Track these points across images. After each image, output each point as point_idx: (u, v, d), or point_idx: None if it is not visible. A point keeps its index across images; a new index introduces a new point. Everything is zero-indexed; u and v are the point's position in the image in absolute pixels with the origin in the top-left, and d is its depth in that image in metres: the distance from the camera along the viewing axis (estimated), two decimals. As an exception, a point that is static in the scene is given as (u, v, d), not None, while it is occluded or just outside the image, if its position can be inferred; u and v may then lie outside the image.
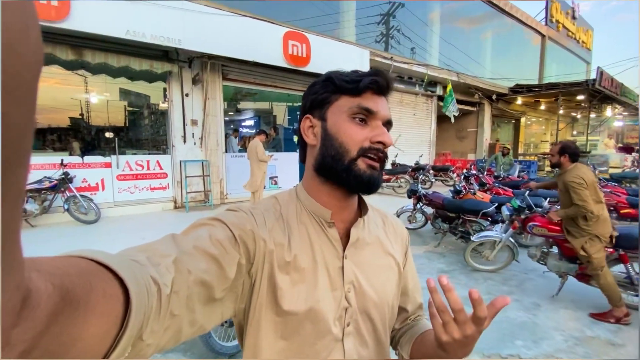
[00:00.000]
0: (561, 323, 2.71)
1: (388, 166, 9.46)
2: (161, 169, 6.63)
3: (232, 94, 9.72)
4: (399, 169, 9.17)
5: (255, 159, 5.52)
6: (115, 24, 5.16)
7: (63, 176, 5.22)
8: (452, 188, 5.28)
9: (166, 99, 6.84)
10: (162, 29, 5.54)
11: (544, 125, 20.99)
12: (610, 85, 12.24)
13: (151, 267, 0.37)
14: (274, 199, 0.63)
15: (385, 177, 8.68)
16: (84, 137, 11.71)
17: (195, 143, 6.85)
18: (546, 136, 20.55)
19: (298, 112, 0.73)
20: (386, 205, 6.71)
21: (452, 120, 11.46)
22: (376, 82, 0.57)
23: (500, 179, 7.28)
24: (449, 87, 11.01)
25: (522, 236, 4.33)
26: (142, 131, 11.79)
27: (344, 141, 0.57)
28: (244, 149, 8.79)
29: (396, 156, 10.41)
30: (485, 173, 7.39)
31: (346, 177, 0.56)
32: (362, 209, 0.65)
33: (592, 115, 15.50)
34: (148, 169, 6.50)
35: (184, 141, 6.71)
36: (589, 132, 14.92)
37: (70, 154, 6.42)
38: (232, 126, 11.18)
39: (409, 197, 5.22)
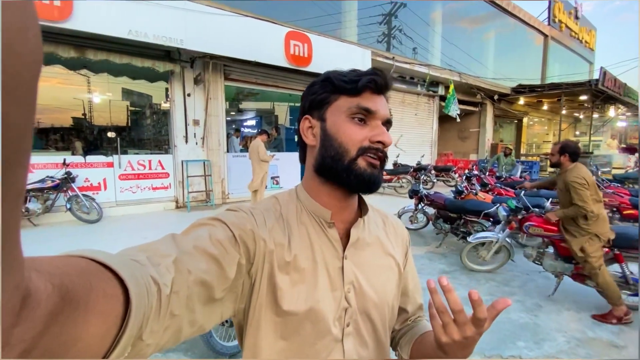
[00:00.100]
0: (563, 324, 2.70)
1: (390, 166, 9.46)
2: (163, 168, 6.64)
3: (234, 94, 9.74)
4: (400, 169, 9.15)
5: (257, 159, 5.53)
6: (118, 24, 5.17)
7: (65, 176, 5.25)
8: (453, 188, 5.27)
9: (168, 99, 6.86)
10: (164, 29, 5.56)
11: (546, 126, 20.93)
12: (613, 86, 12.17)
13: (151, 267, 0.37)
14: (274, 199, 0.63)
15: (386, 177, 8.67)
16: (86, 136, 11.75)
17: (197, 143, 6.87)
18: (548, 136, 20.49)
19: (299, 113, 0.73)
20: (388, 206, 6.70)
21: (458, 119, 11.44)
22: (375, 81, 0.56)
23: (503, 179, 7.26)
24: (452, 87, 10.99)
25: (519, 236, 4.32)
26: (144, 131, 11.84)
27: (343, 141, 0.56)
28: (245, 149, 8.79)
29: (398, 156, 10.39)
30: (487, 173, 7.37)
31: (346, 177, 0.56)
32: (362, 209, 0.65)
33: (595, 115, 15.43)
34: (150, 168, 6.51)
35: (186, 141, 6.73)
36: (591, 132, 14.85)
37: (73, 154, 6.44)
38: (233, 126, 11.18)
39: (411, 197, 5.21)
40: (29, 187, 4.97)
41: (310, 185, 0.62)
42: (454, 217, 4.50)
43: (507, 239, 3.57)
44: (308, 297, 0.54)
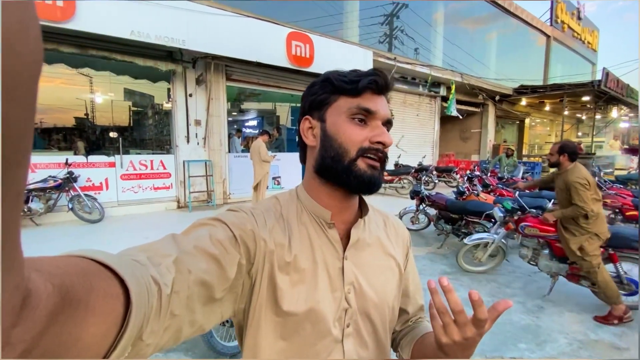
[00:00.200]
0: (565, 326, 2.69)
1: (391, 167, 9.45)
2: (164, 168, 6.66)
3: (236, 95, 9.76)
4: (401, 170, 9.14)
5: (258, 160, 5.53)
6: (120, 25, 5.19)
7: (68, 175, 5.26)
8: (455, 189, 5.26)
9: (170, 99, 6.87)
10: (166, 29, 5.57)
11: (548, 127, 20.86)
12: (615, 86, 12.13)
13: (152, 267, 0.37)
14: (274, 199, 0.63)
15: (388, 178, 8.66)
16: (88, 136, 11.81)
17: (198, 143, 6.88)
18: (551, 137, 20.41)
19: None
20: (389, 206, 6.69)
21: (460, 116, 11.43)
22: (375, 81, 0.56)
23: (504, 180, 7.24)
24: (453, 87, 10.98)
25: (515, 237, 4.33)
26: (146, 131, 11.87)
27: (343, 142, 0.56)
28: (246, 149, 8.80)
29: (399, 157, 10.38)
30: (488, 174, 7.36)
31: (346, 178, 0.56)
32: (362, 209, 0.65)
33: (598, 116, 15.39)
34: (152, 168, 6.53)
35: (188, 141, 6.74)
36: (594, 133, 14.81)
37: (75, 154, 6.46)
38: (235, 126, 11.20)
39: (412, 198, 5.20)
40: (32, 186, 4.99)
41: (310, 186, 0.62)
42: (455, 218, 4.49)
43: (502, 240, 3.58)
44: (308, 297, 0.54)
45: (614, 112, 15.47)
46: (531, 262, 3.34)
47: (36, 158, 5.47)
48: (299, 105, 0.68)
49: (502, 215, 3.52)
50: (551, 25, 17.48)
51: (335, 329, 0.56)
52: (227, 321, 2.07)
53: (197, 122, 6.81)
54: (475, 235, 3.71)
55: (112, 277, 0.30)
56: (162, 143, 9.30)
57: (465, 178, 5.99)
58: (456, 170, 10.54)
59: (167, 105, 8.66)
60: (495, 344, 2.42)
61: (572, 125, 18.81)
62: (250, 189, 5.79)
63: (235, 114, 12.57)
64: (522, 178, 8.06)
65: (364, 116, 0.57)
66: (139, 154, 7.24)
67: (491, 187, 5.99)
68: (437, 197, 4.78)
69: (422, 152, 11.50)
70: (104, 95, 11.47)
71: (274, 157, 5.85)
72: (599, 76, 11.62)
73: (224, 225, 0.51)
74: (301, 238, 0.57)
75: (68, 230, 4.98)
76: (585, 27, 20.85)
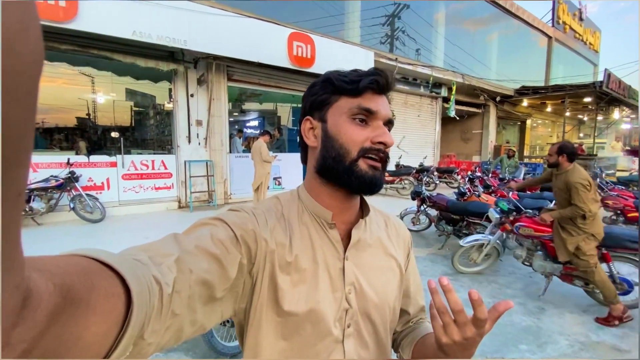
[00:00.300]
0: (566, 327, 2.68)
1: (392, 167, 9.44)
2: (166, 168, 6.67)
3: (237, 95, 9.77)
4: (402, 171, 9.13)
5: (259, 160, 5.54)
6: (122, 25, 5.21)
7: (69, 175, 5.27)
8: (456, 190, 5.25)
9: (171, 100, 6.89)
10: (168, 29, 5.58)
11: (550, 128, 20.82)
12: (617, 88, 12.11)
13: (153, 266, 0.37)
14: (275, 199, 0.63)
15: (389, 178, 8.65)
16: (90, 136, 11.83)
17: (199, 143, 6.89)
18: (552, 138, 20.36)
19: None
20: (390, 207, 6.69)
21: (458, 117, 11.45)
22: (376, 81, 0.56)
23: (505, 181, 7.22)
24: (453, 89, 10.97)
25: (510, 237, 4.34)
26: (148, 131, 11.88)
27: (344, 142, 0.56)
28: (248, 149, 8.81)
29: (400, 157, 10.37)
30: (490, 175, 7.35)
31: (347, 178, 0.56)
32: (363, 210, 0.65)
33: (599, 117, 15.36)
34: (153, 168, 6.54)
35: (189, 141, 6.75)
36: (596, 134, 14.77)
37: (77, 153, 6.47)
38: (236, 127, 11.21)
39: (413, 198, 5.19)
40: (33, 186, 5.00)
41: (311, 186, 0.62)
42: (456, 219, 4.48)
43: (497, 241, 3.58)
44: (309, 297, 0.54)
45: (616, 114, 15.44)
46: (525, 263, 3.35)
47: (38, 158, 5.49)
48: (300, 105, 0.68)
49: (498, 216, 3.52)
50: (553, 26, 17.46)
51: (336, 329, 0.56)
52: (228, 321, 2.08)
53: (199, 122, 6.82)
54: (470, 237, 3.71)
55: (113, 276, 0.30)
56: (163, 143, 9.31)
57: (467, 179, 5.98)
58: (457, 171, 10.53)
59: (168, 106, 8.67)
60: (496, 345, 2.41)
61: (573, 126, 18.78)
62: (251, 189, 5.80)
63: (236, 114, 12.58)
64: (523, 179, 8.04)
65: (365, 116, 0.57)
66: (141, 154, 7.25)
67: (492, 188, 5.98)
68: (438, 198, 4.77)
69: (423, 153, 11.49)
70: (105, 96, 11.50)
71: (275, 157, 5.86)
72: (600, 77, 11.61)
73: (225, 225, 0.51)
74: (302, 238, 0.57)
75: (69, 229, 4.99)
76: (587, 28, 20.81)
